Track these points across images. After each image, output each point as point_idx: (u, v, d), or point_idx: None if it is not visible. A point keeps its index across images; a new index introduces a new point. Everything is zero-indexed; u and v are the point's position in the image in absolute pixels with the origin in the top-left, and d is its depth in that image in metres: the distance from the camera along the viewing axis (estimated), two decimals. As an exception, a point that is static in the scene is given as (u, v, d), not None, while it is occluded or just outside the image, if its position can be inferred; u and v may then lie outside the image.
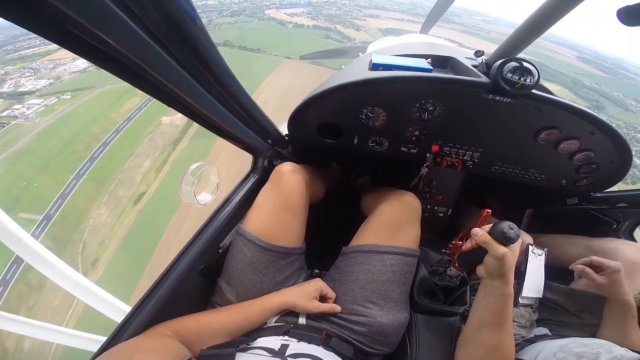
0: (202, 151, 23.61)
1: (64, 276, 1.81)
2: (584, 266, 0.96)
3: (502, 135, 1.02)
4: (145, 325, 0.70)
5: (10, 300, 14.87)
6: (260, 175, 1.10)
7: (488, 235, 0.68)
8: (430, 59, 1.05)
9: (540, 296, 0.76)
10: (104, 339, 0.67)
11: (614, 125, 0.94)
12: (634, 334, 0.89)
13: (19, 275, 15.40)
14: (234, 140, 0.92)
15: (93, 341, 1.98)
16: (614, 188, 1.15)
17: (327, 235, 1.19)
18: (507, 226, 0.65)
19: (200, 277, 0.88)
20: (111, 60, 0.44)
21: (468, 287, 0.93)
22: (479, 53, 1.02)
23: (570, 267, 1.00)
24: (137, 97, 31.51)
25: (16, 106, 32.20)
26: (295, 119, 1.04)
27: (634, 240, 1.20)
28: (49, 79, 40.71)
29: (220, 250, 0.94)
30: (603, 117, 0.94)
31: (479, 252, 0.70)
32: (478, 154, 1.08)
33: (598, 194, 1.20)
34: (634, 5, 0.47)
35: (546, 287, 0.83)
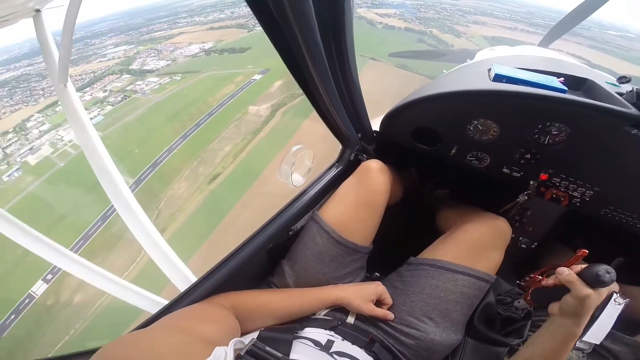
0: (278, 144, 24.02)
1: (147, 234, 2.00)
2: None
3: (630, 177, 0.90)
4: (208, 293, 0.73)
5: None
6: (345, 166, 1.09)
7: (574, 275, 0.66)
8: (562, 78, 0.95)
9: (598, 343, 0.74)
10: (165, 301, 0.69)
11: None
12: None
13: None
14: (332, 125, 0.90)
15: (156, 303, 2.00)
16: None
17: (393, 241, 1.18)
18: (604, 270, 0.63)
19: (266, 255, 0.88)
20: (271, 21, 0.49)
21: (529, 322, 0.91)
22: (624, 80, 0.92)
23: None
24: (233, 85, 34.18)
25: (138, 82, 38.38)
26: (393, 118, 1.02)
27: None
28: (167, 60, 47.52)
29: (290, 233, 0.93)
30: None
31: (558, 291, 0.69)
32: (592, 192, 0.97)
33: None
34: None
35: (609, 335, 0.79)
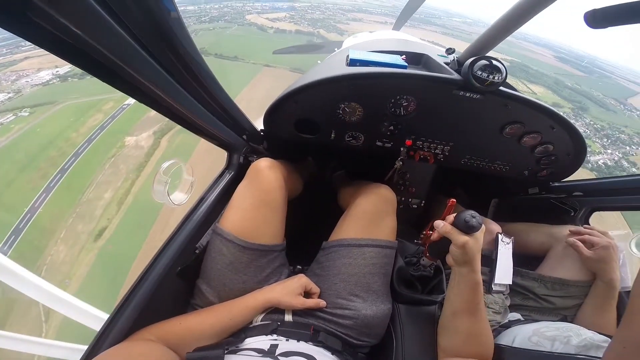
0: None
1: (38, 289, 1.76)
2: (575, 240, 1.03)
3: (471, 129, 1.08)
4: (126, 331, 0.68)
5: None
6: (236, 171, 1.08)
7: (449, 225, 0.70)
8: (404, 56, 1.12)
9: (511, 282, 0.82)
10: (84, 347, 0.66)
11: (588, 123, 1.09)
12: (609, 315, 0.95)
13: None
14: (209, 136, 0.90)
15: (75, 350, 1.91)
16: (571, 178, 1.26)
17: (307, 231, 1.20)
18: (469, 215, 0.67)
19: (178, 279, 0.84)
20: (84, 56, 0.43)
21: (444, 275, 0.95)
22: (450, 50, 1.08)
23: (566, 241, 1.07)
24: (101, 114, 29.04)
25: (-34, 126, 29.18)
26: (272, 115, 1.05)
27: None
28: (8, 92, 37.62)
29: (197, 251, 0.90)
30: (587, 118, 0.82)
31: (447, 242, 0.71)
32: (449, 147, 1.14)
33: (557, 184, 1.30)
34: (599, 9, 0.51)
35: (515, 273, 0.90)
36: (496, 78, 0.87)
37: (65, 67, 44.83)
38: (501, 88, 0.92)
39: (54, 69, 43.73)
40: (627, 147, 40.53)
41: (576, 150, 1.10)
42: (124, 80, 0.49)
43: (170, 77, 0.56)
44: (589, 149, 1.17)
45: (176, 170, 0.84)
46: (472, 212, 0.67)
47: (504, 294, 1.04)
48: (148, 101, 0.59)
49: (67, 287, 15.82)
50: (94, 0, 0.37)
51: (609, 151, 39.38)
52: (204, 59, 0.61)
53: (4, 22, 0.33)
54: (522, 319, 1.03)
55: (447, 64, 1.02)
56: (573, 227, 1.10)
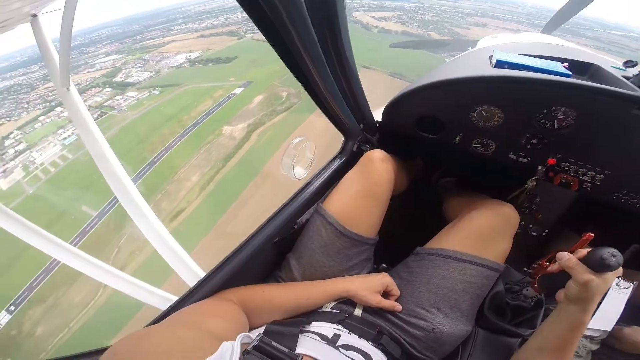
0: (251, 171, 22.05)
1: (154, 231, 2.31)
2: None
3: None
4: (217, 288, 0.73)
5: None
6: (348, 157, 1.08)
7: (575, 259, 0.64)
8: (567, 63, 0.95)
9: (609, 330, 0.74)
10: (175, 298, 0.70)
11: None
12: None
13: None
14: (332, 116, 0.91)
15: (167, 300, 2.19)
16: None
17: (399, 231, 1.16)
18: (609, 253, 0.59)
19: (272, 250, 0.88)
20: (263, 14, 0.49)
21: (542, 311, 0.88)
22: (630, 64, 0.94)
23: None
24: (211, 100, 32.15)
25: (117, 97, 36.59)
26: (395, 107, 1.01)
27: None
28: (151, 72, 45.84)
29: (296, 226, 0.93)
30: None
31: (565, 277, 0.66)
32: (602, 176, 0.95)
33: None
34: None
35: (618, 323, 0.83)
36: None
37: (196, 52, 52.35)
38: None
39: (188, 54, 51.49)
40: None
41: None
42: (286, 48, 0.54)
43: (321, 53, 0.58)
44: None
45: (303, 147, 0.89)
46: (614, 250, 0.59)
47: (594, 339, 0.96)
48: (297, 71, 0.62)
49: (135, 259, 17.61)
50: None
51: None
52: (351, 48, 0.64)
53: None
54: None
55: (626, 78, 0.84)
56: None
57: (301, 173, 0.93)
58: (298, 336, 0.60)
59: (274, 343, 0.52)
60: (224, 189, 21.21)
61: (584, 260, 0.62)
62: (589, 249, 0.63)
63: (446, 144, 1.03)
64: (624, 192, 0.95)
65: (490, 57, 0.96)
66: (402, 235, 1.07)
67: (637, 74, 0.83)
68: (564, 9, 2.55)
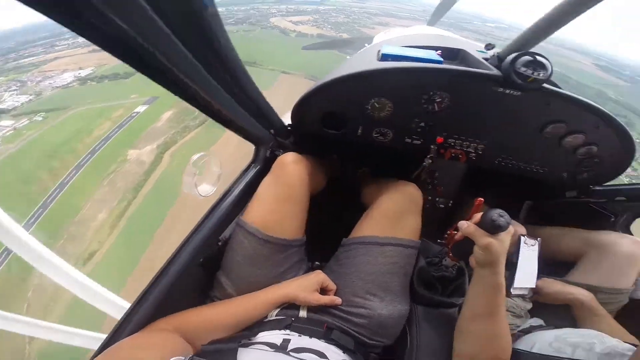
0: (170, 196, 20.14)
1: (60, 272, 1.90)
2: None
3: (508, 128, 1.03)
4: (146, 321, 0.70)
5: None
6: (262, 165, 1.07)
7: (473, 226, 0.68)
8: (440, 51, 1.08)
9: (533, 286, 0.80)
10: (103, 336, 0.69)
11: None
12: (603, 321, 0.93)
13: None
14: (238, 129, 0.91)
15: (94, 339, 1.99)
16: (612, 182, 1.20)
17: (327, 227, 1.18)
18: (497, 214, 0.63)
19: (199, 271, 0.87)
20: (118, 43, 0.41)
21: (466, 278, 0.93)
22: (489, 46, 1.06)
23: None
24: (109, 122, 28.25)
25: (-17, 129, 29.48)
26: (301, 107, 1.04)
27: (630, 233, 1.20)
28: (30, 94, 38.28)
29: (219, 243, 0.92)
30: (634, 135, 0.96)
31: (471, 242, 0.69)
32: (482, 146, 1.09)
33: (597, 188, 1.22)
34: None
35: (539, 278, 0.87)
36: (540, 75, 0.83)
37: (87, 69, 45.53)
38: (544, 85, 0.87)
39: (77, 71, 44.42)
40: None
41: (623, 150, 1.02)
42: (157, 69, 0.49)
43: (204, 69, 0.56)
44: (635, 173, 1.08)
45: (203, 163, 0.86)
46: (500, 211, 0.64)
47: (525, 298, 1.00)
48: (181, 93, 0.59)
49: (51, 311, 15.00)
50: None
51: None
52: (237, 54, 0.61)
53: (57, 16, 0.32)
54: (544, 324, 0.99)
55: (486, 59, 0.96)
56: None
57: (208, 190, 0.89)
58: (237, 350, 0.58)
59: None
60: (140, 222, 18.89)
61: (480, 224, 0.65)
62: (481, 214, 0.66)
63: (350, 138, 1.09)
64: (503, 157, 1.10)
65: (379, 51, 1.03)
66: (330, 231, 1.09)
67: (493, 55, 0.93)
68: (441, 2, 2.86)
